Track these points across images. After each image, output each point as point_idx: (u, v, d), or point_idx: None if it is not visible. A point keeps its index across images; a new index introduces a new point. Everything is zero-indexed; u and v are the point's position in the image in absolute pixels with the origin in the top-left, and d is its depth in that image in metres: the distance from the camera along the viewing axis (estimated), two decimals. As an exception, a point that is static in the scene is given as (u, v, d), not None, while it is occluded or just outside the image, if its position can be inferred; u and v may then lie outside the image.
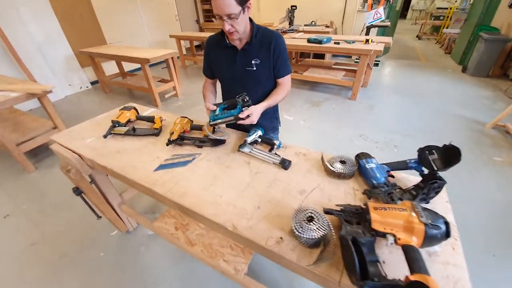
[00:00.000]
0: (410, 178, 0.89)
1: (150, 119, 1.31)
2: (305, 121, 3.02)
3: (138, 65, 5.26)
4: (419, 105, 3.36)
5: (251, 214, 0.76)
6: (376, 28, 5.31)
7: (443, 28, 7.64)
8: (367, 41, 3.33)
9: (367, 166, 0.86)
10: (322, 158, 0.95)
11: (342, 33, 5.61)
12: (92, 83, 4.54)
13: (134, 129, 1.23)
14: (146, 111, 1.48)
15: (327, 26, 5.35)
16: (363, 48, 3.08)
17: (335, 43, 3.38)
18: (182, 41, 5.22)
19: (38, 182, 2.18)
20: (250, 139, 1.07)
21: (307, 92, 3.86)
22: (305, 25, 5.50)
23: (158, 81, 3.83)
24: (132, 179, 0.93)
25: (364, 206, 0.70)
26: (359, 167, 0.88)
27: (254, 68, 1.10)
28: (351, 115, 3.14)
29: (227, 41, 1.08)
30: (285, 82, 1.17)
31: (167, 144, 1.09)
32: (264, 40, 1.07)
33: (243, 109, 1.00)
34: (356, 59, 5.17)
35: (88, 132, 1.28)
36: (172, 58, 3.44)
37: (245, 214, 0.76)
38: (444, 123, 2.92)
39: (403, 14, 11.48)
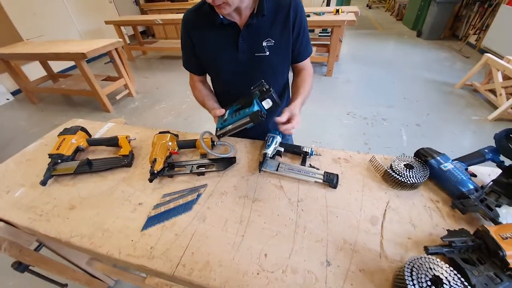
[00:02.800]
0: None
1: (112, 142, 0.90)
2: (287, 105, 2.78)
3: (72, 63, 4.33)
4: (391, 74, 3.38)
5: (322, 279, 0.49)
6: (335, -1, 5.19)
7: (390, -5, 7.90)
8: (337, 11, 3.13)
9: (444, 168, 0.64)
10: (375, 164, 0.72)
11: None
12: (14, 93, 3.55)
13: (89, 162, 0.82)
14: (100, 128, 1.05)
15: (285, -1, 5.01)
16: (336, 19, 2.88)
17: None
18: (122, 28, 4.37)
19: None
20: (270, 150, 0.78)
21: (280, 73, 3.59)
22: None
23: (103, 80, 3.12)
24: (108, 255, 0.57)
25: (483, 233, 0.49)
26: (431, 170, 0.66)
27: (267, 53, 0.75)
28: (331, 92, 3.00)
29: (221, 16, 0.71)
30: (308, 66, 0.88)
31: (151, 180, 0.73)
32: (279, 8, 0.72)
33: (262, 102, 0.67)
34: (320, 32, 5.01)
35: (15, 176, 0.83)
36: (116, 49, 2.79)
37: (314, 283, 0.49)
38: (417, 89, 2.97)
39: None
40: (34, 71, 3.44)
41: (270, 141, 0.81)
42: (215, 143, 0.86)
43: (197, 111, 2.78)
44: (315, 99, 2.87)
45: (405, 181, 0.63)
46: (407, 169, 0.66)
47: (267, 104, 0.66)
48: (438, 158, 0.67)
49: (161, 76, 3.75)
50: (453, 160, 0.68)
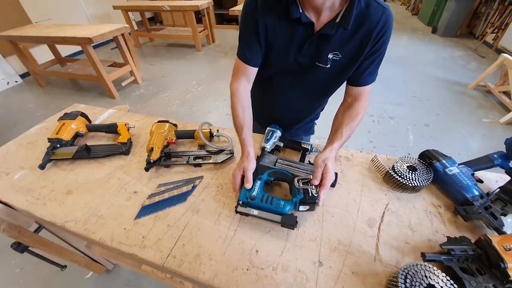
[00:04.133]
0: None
1: (111, 129, 0.90)
2: (293, 99, 2.73)
3: (79, 48, 4.34)
4: (401, 71, 3.27)
5: (313, 280, 0.48)
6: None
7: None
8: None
9: (449, 172, 0.62)
10: (377, 164, 0.69)
11: None
12: (22, 75, 3.58)
13: (87, 148, 0.82)
14: (101, 114, 1.04)
15: None
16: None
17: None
18: (130, 14, 4.32)
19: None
20: (269, 145, 0.76)
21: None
22: None
23: (109, 66, 3.12)
24: (101, 241, 0.57)
25: (485, 242, 0.47)
26: (435, 173, 0.63)
27: (328, 66, 0.65)
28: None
29: (300, 10, 0.59)
30: (366, 95, 0.71)
31: (147, 169, 0.72)
32: (365, 21, 0.58)
33: (300, 207, 0.56)
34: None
35: (15, 159, 0.83)
36: (123, 35, 2.77)
37: (305, 283, 0.48)
38: (428, 88, 2.87)
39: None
40: (42, 55, 3.45)
41: (270, 135, 0.79)
42: (213, 134, 0.85)
43: (202, 101, 2.76)
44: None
45: (407, 183, 0.61)
46: (410, 171, 0.63)
47: (303, 208, 0.57)
48: (443, 161, 0.64)
49: (168, 64, 3.72)
50: (459, 164, 0.65)
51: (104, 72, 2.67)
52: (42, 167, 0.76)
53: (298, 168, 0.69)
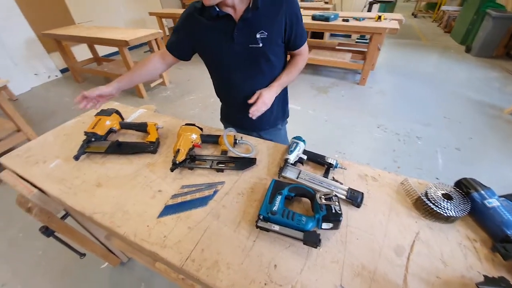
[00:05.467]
0: None
1: (142, 128, 0.94)
2: (314, 110, 2.71)
3: (115, 49, 4.64)
4: (431, 89, 3.13)
5: (334, 303, 0.46)
6: (378, 5, 4.93)
7: (440, 5, 7.32)
8: (379, 17, 2.97)
9: (488, 204, 0.57)
10: (407, 188, 0.66)
11: (341, 9, 5.17)
12: (62, 71, 3.90)
13: (119, 144, 0.86)
14: (132, 113, 1.10)
15: (326, 2, 4.89)
16: (377, 26, 2.73)
17: (343, 20, 3.00)
18: (164, 20, 4.58)
19: (3, 198, 1.76)
20: (292, 156, 0.75)
21: (310, 77, 3.51)
22: (301, 0, 5.01)
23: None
24: (125, 236, 0.59)
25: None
26: (472, 204, 0.59)
27: (260, 45, 0.80)
28: (363, 102, 2.86)
29: (217, 8, 0.76)
30: (303, 50, 0.92)
31: (172, 169, 0.75)
32: (273, 0, 0.77)
33: (323, 224, 0.55)
34: (358, 38, 4.80)
35: (52, 149, 0.90)
36: (156, 39, 2.93)
37: (325, 305, 0.46)
38: (460, 109, 2.71)
39: (395, -10, 11.02)
40: (81, 53, 3.75)
41: (294, 147, 0.78)
42: (237, 141, 0.86)
43: (223, 106, 2.83)
44: (343, 106, 2.76)
45: (441, 212, 0.57)
46: (445, 200, 0.59)
47: (326, 226, 0.55)
48: (482, 192, 0.59)
49: (193, 69, 3.87)
50: (499, 197, 0.60)
51: (136, 72, 2.82)
52: (76, 158, 0.82)
53: (321, 184, 0.68)
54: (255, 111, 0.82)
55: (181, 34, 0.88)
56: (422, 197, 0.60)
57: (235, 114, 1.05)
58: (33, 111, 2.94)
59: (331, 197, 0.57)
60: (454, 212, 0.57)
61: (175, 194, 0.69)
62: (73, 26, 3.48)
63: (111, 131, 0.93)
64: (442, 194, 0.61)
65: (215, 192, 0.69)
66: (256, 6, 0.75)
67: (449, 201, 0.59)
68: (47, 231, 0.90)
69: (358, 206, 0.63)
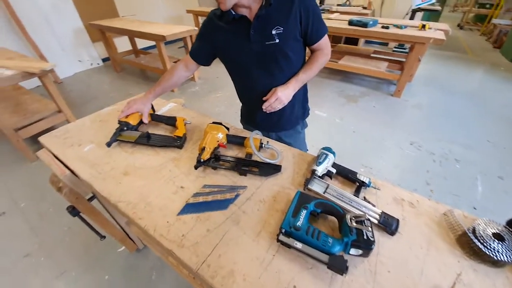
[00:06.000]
0: None
1: (171, 121, 0.96)
2: (341, 119, 2.60)
3: (153, 43, 4.88)
4: (475, 109, 2.84)
5: None
6: (422, 13, 4.62)
7: (491, 18, 6.66)
8: (423, 26, 2.77)
9: (554, 252, 0.48)
10: (451, 221, 0.58)
11: (380, 16, 4.92)
12: (104, 60, 4.20)
13: (148, 135, 0.88)
14: (163, 106, 1.12)
15: (364, 8, 4.69)
16: (420, 35, 2.54)
17: (382, 27, 2.84)
18: (200, 18, 4.72)
19: (39, 174, 1.93)
20: (320, 168, 0.71)
21: (339, 84, 3.38)
22: (338, 5, 4.86)
23: (174, 62, 3.43)
24: (145, 228, 0.60)
25: None
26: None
27: (277, 41, 0.80)
28: (396, 115, 2.68)
29: (233, 12, 0.78)
30: (324, 44, 0.90)
31: (196, 167, 0.74)
32: None
33: (351, 250, 0.50)
34: (396, 47, 4.54)
35: (88, 133, 0.95)
36: (190, 36, 3.02)
37: None
38: (506, 133, 2.42)
39: (441, -1, 10.26)
40: (122, 44, 3.99)
41: (323, 158, 0.74)
42: (263, 145, 0.83)
43: (248, 106, 2.82)
44: (374, 118, 2.61)
45: (490, 254, 0.49)
46: (495, 240, 0.51)
47: (355, 252, 0.50)
48: (545, 237, 0.50)
49: (222, 67, 3.91)
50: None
51: (169, 67, 2.93)
52: (108, 145, 0.85)
53: (351, 204, 0.62)
54: (268, 107, 0.86)
55: (203, 41, 0.92)
56: (469, 234, 0.53)
57: (255, 113, 1.04)
58: (74, 95, 3.19)
59: (363, 220, 0.52)
60: (506, 256, 0.49)
61: (197, 192, 0.68)
62: (117, 19, 3.72)
63: (142, 122, 0.96)
64: (493, 234, 0.52)
65: (236, 196, 0.67)
66: (269, 3, 0.76)
67: (500, 242, 0.51)
68: (73, 211, 0.95)
69: (392, 234, 0.57)
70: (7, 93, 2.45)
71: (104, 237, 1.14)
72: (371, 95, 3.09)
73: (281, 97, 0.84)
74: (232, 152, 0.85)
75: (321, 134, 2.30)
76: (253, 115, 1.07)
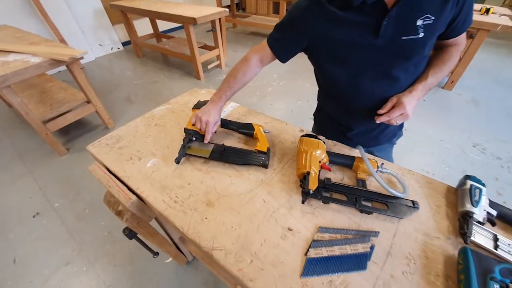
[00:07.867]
0: None
1: (246, 130, 0.77)
2: (389, 116, 2.34)
3: (173, 25, 4.60)
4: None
5: None
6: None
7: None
8: (487, 10, 2.38)
9: None
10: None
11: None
12: (124, 44, 3.99)
13: (225, 149, 0.71)
14: (224, 107, 0.94)
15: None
16: (485, 20, 2.18)
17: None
18: (222, -2, 4.37)
19: (70, 169, 1.82)
20: (478, 211, 0.51)
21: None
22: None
23: (200, 47, 3.18)
24: (263, 297, 0.43)
25: None
26: None
27: (421, 35, 0.57)
28: (450, 111, 2.39)
29: None
30: (462, 39, 0.67)
31: (303, 201, 0.57)
32: None
33: None
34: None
35: (145, 142, 0.78)
36: (220, 19, 2.75)
37: None
38: None
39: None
40: (142, 27, 3.76)
41: (477, 194, 0.54)
42: (379, 168, 0.64)
43: (283, 97, 2.59)
44: (426, 114, 2.33)
45: None
46: None
47: None
48: None
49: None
50: None
51: (197, 52, 2.71)
52: (177, 161, 0.68)
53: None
54: (387, 121, 0.64)
55: (295, 31, 0.68)
56: None
57: (351, 125, 0.82)
58: (98, 81, 3.05)
59: None
60: None
61: (315, 240, 0.51)
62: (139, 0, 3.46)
63: (211, 130, 0.78)
64: None
65: (371, 248, 0.49)
66: None
67: None
68: (130, 233, 0.81)
69: None
70: (31, 80, 2.32)
71: (158, 253, 1.01)
72: (418, 88, 2.77)
73: (408, 111, 0.61)
74: (335, 176, 0.66)
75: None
76: (345, 127, 0.84)
